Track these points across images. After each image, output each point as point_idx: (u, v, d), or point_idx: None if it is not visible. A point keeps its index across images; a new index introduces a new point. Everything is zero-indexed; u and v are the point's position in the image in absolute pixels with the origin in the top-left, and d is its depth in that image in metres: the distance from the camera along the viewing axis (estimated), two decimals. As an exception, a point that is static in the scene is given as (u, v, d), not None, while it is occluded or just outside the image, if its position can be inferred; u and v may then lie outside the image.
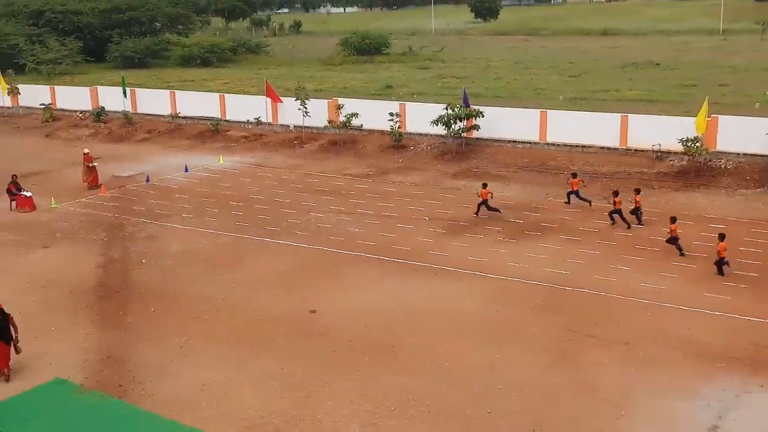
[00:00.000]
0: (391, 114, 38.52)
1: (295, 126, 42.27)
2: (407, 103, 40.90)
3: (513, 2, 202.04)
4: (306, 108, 40.29)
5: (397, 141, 38.49)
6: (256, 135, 42.76)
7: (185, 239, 26.25)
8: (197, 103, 46.41)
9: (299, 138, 41.30)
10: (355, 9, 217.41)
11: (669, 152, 33.20)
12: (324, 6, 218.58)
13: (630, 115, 35.33)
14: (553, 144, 36.11)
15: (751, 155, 31.90)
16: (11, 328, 16.83)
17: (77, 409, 15.84)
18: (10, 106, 52.97)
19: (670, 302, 20.14)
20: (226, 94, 47.21)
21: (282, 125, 43.10)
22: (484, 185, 28.12)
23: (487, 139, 37.36)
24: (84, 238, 26.72)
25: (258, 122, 43.51)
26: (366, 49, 77.62)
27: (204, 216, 28.90)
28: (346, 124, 39.16)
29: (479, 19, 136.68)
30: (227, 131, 43.62)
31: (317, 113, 40.70)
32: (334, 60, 74.42)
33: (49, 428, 15.31)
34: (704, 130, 31.45)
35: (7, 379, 16.74)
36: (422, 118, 38.04)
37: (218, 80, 60.75)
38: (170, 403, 15.88)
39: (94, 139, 44.46)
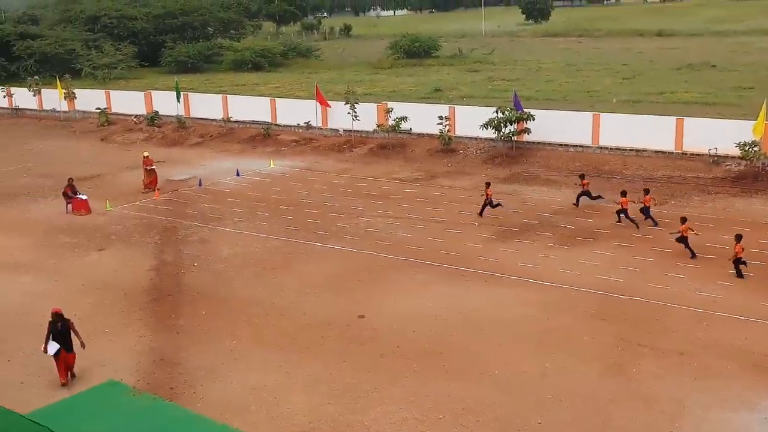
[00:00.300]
0: (441, 117, 38.36)
1: (344, 130, 42.43)
2: (456, 107, 40.74)
3: (565, 3, 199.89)
4: (355, 112, 40.43)
5: (446, 145, 38.33)
6: (306, 139, 43.03)
7: (236, 243, 26.52)
8: (249, 108, 46.93)
9: (348, 142, 41.43)
10: (404, 12, 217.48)
11: (726, 156, 32.42)
12: (374, 9, 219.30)
13: (686, 118, 34.63)
14: (605, 148, 35.56)
15: (813, 160, 31.01)
16: (72, 335, 17.06)
17: (129, 411, 16.02)
18: (67, 110, 54.23)
19: (726, 312, 19.64)
20: (277, 99, 47.61)
21: (332, 129, 43.30)
22: (488, 184, 28.77)
23: (538, 143, 36.98)
24: (138, 241, 27.18)
25: (308, 126, 43.78)
26: (415, 52, 77.54)
27: (255, 220, 29.16)
28: (395, 128, 39.15)
29: (530, 21, 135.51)
30: (278, 135, 43.99)
31: (366, 117, 40.80)
32: (383, 63, 74.50)
33: (101, 430, 15.54)
34: (762, 133, 30.63)
35: (64, 385, 17.01)
36: (472, 121, 37.82)
37: (269, 84, 61.33)
38: (220, 407, 16.03)
39: (148, 143, 45.23)
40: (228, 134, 45.62)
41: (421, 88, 54.61)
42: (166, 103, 49.75)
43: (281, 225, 28.35)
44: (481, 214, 28.36)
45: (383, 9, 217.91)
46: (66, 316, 17.22)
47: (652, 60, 67.53)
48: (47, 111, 55.57)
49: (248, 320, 20.21)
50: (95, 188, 34.39)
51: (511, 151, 36.93)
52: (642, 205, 26.75)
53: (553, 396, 16.05)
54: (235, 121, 46.43)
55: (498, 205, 28.29)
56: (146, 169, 33.95)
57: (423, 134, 39.84)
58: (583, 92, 49.14)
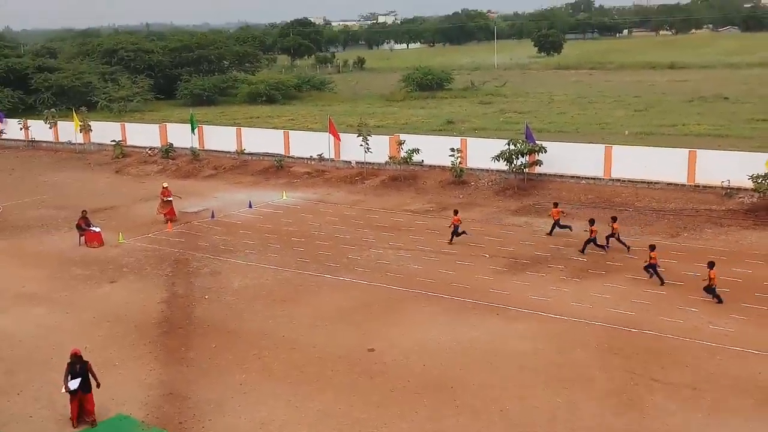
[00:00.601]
0: (452, 149, 38.51)
1: (356, 162, 42.62)
2: (468, 139, 40.90)
3: (577, 36, 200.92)
4: (368, 144, 40.64)
5: (458, 177, 38.41)
6: (318, 171, 43.23)
7: (247, 275, 26.56)
8: (262, 140, 47.29)
9: (361, 174, 41.59)
10: (417, 45, 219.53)
11: (739, 189, 32.30)
12: (387, 42, 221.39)
13: (698, 151, 34.60)
14: (618, 180, 35.53)
15: (827, 192, 30.82)
16: (90, 377, 16.88)
17: (138, 445, 16.02)
18: (83, 142, 54.78)
19: (740, 346, 19.42)
20: (290, 131, 47.96)
21: (344, 161, 43.51)
22: (455, 212, 29.85)
23: (549, 175, 37.00)
24: (150, 273, 27.28)
25: (321, 158, 44.02)
26: (428, 84, 78.11)
27: (266, 252, 29.23)
28: (407, 160, 39.31)
29: (542, 54, 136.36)
30: (291, 167, 44.24)
31: (379, 149, 41.01)
32: (396, 96, 75.05)
33: (110, 463, 15.50)
34: (774, 166, 30.54)
35: (75, 427, 16.85)
36: (483, 153, 37.92)
37: (283, 117, 61.82)
38: (229, 441, 15.94)
39: (162, 175, 45.54)
40: (241, 166, 45.92)
41: (433, 121, 54.88)
42: (180, 135, 50.24)
43: (292, 257, 28.39)
44: (450, 241, 29.18)
45: (396, 42, 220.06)
46: (83, 356, 16.95)
47: (664, 92, 67.66)
48: (63, 143, 56.18)
49: (258, 353, 20.17)
50: (109, 220, 34.61)
51: (522, 183, 36.95)
52: (610, 232, 27.43)
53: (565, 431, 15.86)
54: (249, 154, 46.75)
55: (463, 233, 29.21)
56: (163, 200, 34.17)
57: (435, 166, 39.96)
58: (595, 124, 49.23)
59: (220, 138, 49.17)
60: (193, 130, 49.21)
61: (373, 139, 41.03)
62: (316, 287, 25.11)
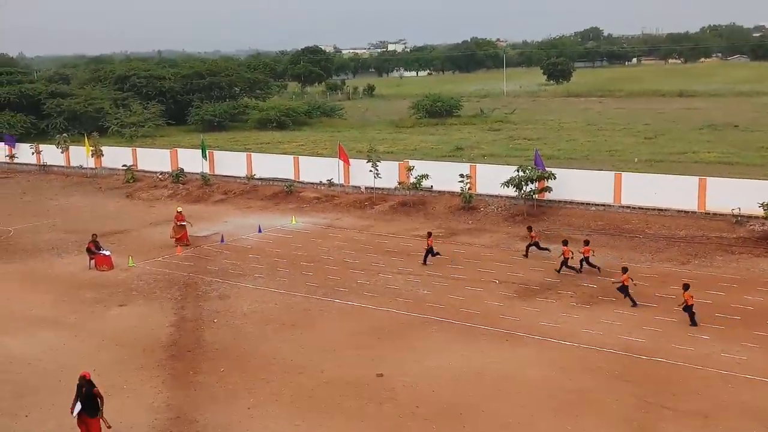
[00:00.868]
0: (462, 175, 38.57)
1: (366, 187, 42.71)
2: (478, 165, 40.96)
3: (586, 64, 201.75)
4: (377, 170, 40.76)
5: (468, 202, 38.42)
6: (328, 196, 43.34)
7: (256, 299, 26.54)
8: (272, 165, 47.48)
9: (370, 199, 41.66)
10: (427, 73, 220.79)
11: (750, 217, 32.17)
12: (397, 70, 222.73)
13: (708, 178, 34.54)
14: (628, 207, 35.46)
15: (838, 220, 30.66)
16: (98, 400, 16.66)
17: (145, 469, 15.90)
18: (94, 167, 55.13)
19: (752, 373, 19.24)
20: (300, 156, 48.17)
21: (353, 186, 43.62)
22: (429, 234, 30.87)
23: (559, 201, 36.98)
24: (159, 296, 27.29)
25: (330, 184, 44.15)
26: (437, 111, 78.43)
27: (275, 276, 29.22)
28: (416, 186, 39.37)
29: (551, 81, 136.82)
30: (300, 192, 44.37)
31: (388, 175, 41.11)
32: (405, 122, 75.35)
33: (117, 487, 15.38)
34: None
35: None
36: (493, 179, 37.95)
37: (293, 143, 62.12)
38: (236, 466, 15.83)
39: (172, 200, 45.74)
40: (251, 191, 46.07)
41: (442, 147, 55.03)
42: (191, 160, 50.53)
43: (301, 281, 28.37)
44: (424, 262, 29.90)
45: (406, 70, 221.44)
46: (90, 379, 16.72)
47: (674, 120, 67.69)
48: (74, 168, 56.55)
49: (266, 378, 20.09)
50: (119, 244, 34.71)
51: (532, 209, 36.92)
52: (582, 256, 28.02)
53: (574, 459, 15.71)
54: (259, 179, 46.93)
55: (437, 254, 29.91)
56: (177, 225, 34.28)
57: (444, 192, 40.01)
58: (604, 151, 49.25)
59: (230, 163, 49.40)
60: (204, 155, 49.47)
61: (382, 165, 41.16)
62: (325, 312, 25.05)
